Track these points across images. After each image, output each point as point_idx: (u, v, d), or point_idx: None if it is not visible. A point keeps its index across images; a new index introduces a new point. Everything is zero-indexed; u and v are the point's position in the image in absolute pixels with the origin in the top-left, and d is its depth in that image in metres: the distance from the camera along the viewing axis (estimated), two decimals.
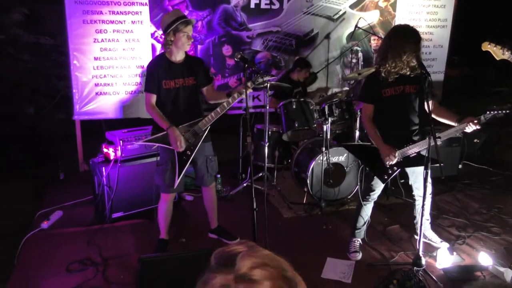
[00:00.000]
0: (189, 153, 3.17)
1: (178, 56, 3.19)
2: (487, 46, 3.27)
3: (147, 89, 3.18)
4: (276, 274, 0.88)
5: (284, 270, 0.91)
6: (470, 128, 2.91)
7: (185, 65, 3.21)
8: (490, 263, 3.13)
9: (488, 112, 2.88)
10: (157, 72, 3.14)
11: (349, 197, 4.42)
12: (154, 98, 3.18)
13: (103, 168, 3.73)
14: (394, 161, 3.02)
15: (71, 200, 4.22)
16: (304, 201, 4.32)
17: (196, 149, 3.18)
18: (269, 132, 4.58)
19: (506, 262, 3.22)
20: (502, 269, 3.06)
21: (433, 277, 3.00)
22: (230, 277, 0.87)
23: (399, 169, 3.09)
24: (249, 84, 3.13)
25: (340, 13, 5.80)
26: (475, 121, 2.88)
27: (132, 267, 3.09)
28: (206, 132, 3.21)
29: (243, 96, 2.98)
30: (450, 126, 3.09)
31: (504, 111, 2.85)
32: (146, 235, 3.63)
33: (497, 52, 3.23)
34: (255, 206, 2.76)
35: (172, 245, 3.46)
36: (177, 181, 3.16)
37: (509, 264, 3.17)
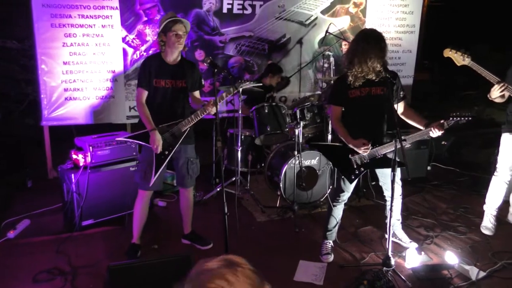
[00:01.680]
0: (167, 153, 3.19)
1: (173, 58, 3.23)
2: (448, 53, 3.39)
3: (139, 85, 3.22)
4: None
5: None
6: (434, 133, 3.00)
7: (178, 67, 3.26)
8: (456, 262, 3.22)
9: (451, 118, 2.97)
10: (150, 70, 3.18)
11: (322, 199, 4.47)
12: (145, 94, 3.21)
13: (72, 175, 3.66)
14: (368, 152, 3.06)
15: (39, 208, 4.11)
16: (277, 205, 4.35)
17: (174, 149, 3.21)
18: (242, 137, 4.59)
19: (472, 260, 3.32)
20: (467, 267, 3.16)
21: (402, 276, 3.07)
22: None
23: (366, 170, 3.16)
24: (231, 89, 3.25)
25: (312, 18, 5.89)
26: (439, 126, 2.97)
27: (102, 275, 3.02)
28: (185, 133, 3.23)
29: (210, 112, 3.10)
30: (419, 129, 3.18)
31: (466, 118, 2.95)
32: (118, 242, 3.57)
33: (458, 58, 3.35)
34: (226, 211, 2.76)
35: (144, 252, 3.42)
36: (153, 179, 3.18)
37: (474, 262, 3.28)
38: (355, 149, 3.07)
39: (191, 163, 3.39)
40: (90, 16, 4.74)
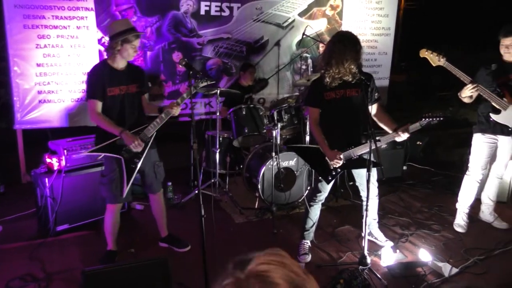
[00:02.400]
0: (137, 161, 3.14)
1: (121, 64, 3.17)
2: (424, 53, 3.47)
3: (92, 96, 3.09)
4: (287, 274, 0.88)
5: (294, 273, 0.91)
6: (400, 138, 3.08)
7: (127, 73, 3.21)
8: (429, 259, 3.29)
9: (423, 119, 3.04)
10: (102, 79, 3.09)
11: (300, 200, 4.50)
12: (99, 105, 3.10)
13: (46, 179, 3.59)
14: (340, 164, 3.12)
15: (12, 214, 4.02)
16: (256, 206, 4.36)
17: (143, 156, 3.15)
18: (220, 139, 4.60)
19: (445, 257, 3.41)
20: (440, 264, 3.24)
21: (378, 275, 3.12)
22: (242, 275, 0.87)
23: (342, 171, 3.21)
24: (191, 89, 3.15)
25: (289, 20, 5.93)
26: (404, 130, 3.05)
27: (77, 281, 2.99)
28: (152, 138, 3.20)
29: (174, 114, 3.09)
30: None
31: (438, 118, 3.02)
32: (94, 247, 3.52)
33: (434, 59, 3.43)
34: (203, 213, 2.76)
35: (121, 257, 3.38)
36: (126, 190, 3.13)
37: (447, 259, 3.36)
38: (327, 159, 3.13)
39: (157, 167, 3.37)
40: (64, 17, 4.66)
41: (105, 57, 3.25)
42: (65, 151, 3.68)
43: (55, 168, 3.66)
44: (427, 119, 3.04)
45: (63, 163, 3.67)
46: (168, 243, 3.59)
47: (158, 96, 5.34)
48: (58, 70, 4.75)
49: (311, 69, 5.98)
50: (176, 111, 3.11)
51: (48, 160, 3.73)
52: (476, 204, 4.07)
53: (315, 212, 3.48)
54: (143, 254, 3.48)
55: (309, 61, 6.14)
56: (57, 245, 3.57)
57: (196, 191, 4.55)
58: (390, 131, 3.18)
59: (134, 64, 3.41)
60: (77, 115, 4.92)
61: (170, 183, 4.53)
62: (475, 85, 3.43)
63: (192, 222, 3.94)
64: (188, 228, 3.82)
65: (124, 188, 3.12)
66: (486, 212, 4.12)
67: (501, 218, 4.06)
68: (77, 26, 4.75)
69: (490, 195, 4.08)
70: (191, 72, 2.94)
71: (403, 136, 3.08)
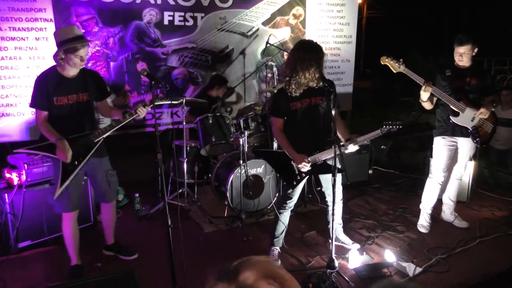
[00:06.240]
0: (76, 164, 3.03)
1: (72, 72, 3.05)
2: (385, 60, 3.60)
3: (36, 106, 3.01)
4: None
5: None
6: (347, 150, 3.18)
7: (79, 80, 3.09)
8: (394, 260, 3.38)
9: (384, 127, 3.17)
10: (47, 88, 2.98)
11: (269, 207, 4.53)
12: (43, 114, 3.02)
13: (6, 194, 3.46)
14: (308, 167, 3.16)
15: None
16: (225, 215, 4.35)
17: (85, 160, 3.05)
18: (188, 148, 4.58)
19: (409, 257, 3.51)
20: (405, 264, 3.33)
21: (345, 277, 3.18)
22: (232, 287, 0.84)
23: (307, 176, 3.26)
24: (147, 106, 3.12)
25: (254, 29, 6.00)
26: (353, 143, 3.14)
27: None
28: (98, 144, 3.12)
29: (139, 115, 3.03)
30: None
31: (397, 126, 3.16)
32: (59, 263, 3.41)
33: (394, 66, 3.57)
34: (170, 223, 2.74)
35: (87, 271, 3.29)
36: (58, 192, 2.98)
37: (411, 259, 3.46)
38: (295, 163, 3.17)
39: (110, 175, 3.31)
40: (23, 28, 4.53)
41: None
42: (25, 165, 3.57)
43: (15, 183, 3.54)
44: (387, 127, 3.16)
45: (23, 177, 3.55)
46: (114, 251, 3.56)
47: (123, 107, 5.26)
48: (16, 83, 4.61)
49: (277, 77, 6.06)
50: (142, 113, 3.03)
51: (7, 175, 3.61)
52: (438, 205, 4.22)
53: (285, 219, 3.50)
54: (111, 268, 3.40)
55: (275, 69, 6.21)
56: (19, 263, 3.44)
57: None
58: (342, 139, 3.22)
59: (89, 69, 3.28)
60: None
61: (137, 195, 4.48)
62: (427, 84, 3.57)
63: (160, 232, 3.91)
64: (156, 239, 3.78)
65: (56, 189, 2.98)
66: (447, 212, 4.27)
67: (461, 217, 4.23)
68: (36, 38, 4.63)
69: (451, 196, 4.24)
70: (153, 82, 2.92)
71: (350, 149, 3.16)
